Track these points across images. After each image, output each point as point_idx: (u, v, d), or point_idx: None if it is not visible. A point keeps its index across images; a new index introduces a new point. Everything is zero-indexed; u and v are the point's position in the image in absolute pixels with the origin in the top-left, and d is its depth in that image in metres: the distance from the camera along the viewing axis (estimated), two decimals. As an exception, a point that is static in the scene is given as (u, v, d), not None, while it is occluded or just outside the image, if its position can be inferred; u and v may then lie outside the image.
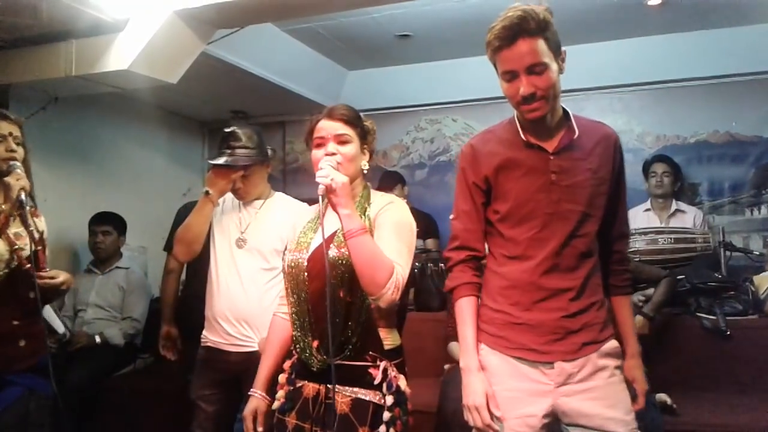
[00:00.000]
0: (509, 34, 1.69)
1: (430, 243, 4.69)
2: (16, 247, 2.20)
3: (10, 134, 2.27)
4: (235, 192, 2.63)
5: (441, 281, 3.87)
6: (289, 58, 4.55)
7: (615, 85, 4.76)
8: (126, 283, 4.03)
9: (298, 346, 1.87)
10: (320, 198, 1.73)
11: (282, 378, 1.91)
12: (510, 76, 1.73)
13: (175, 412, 3.10)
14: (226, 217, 2.67)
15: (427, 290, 3.87)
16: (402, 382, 1.81)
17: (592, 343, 1.78)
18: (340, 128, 1.86)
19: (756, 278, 3.62)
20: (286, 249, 2.00)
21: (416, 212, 5.02)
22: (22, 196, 2.14)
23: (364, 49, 4.76)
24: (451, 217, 1.94)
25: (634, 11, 4.05)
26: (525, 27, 1.68)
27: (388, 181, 4.89)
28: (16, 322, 2.21)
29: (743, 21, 4.25)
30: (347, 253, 1.74)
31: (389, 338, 1.84)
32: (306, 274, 1.84)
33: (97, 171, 4.43)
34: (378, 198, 1.92)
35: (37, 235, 2.29)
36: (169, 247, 3.52)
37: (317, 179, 1.73)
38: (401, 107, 5.37)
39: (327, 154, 1.82)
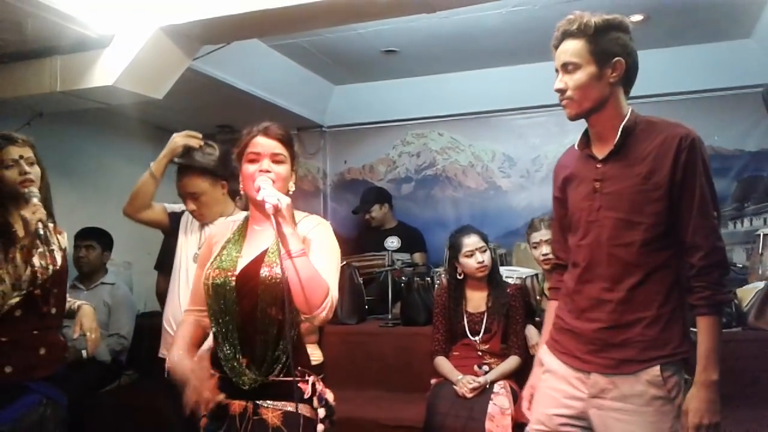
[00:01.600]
0: (559, 35, 1.84)
1: (417, 257, 4.69)
2: (37, 267, 2.26)
3: (21, 157, 2.30)
4: (193, 214, 2.75)
5: (427, 295, 3.87)
6: (275, 73, 4.57)
7: (599, 99, 4.82)
8: (111, 299, 4.00)
9: (225, 364, 1.83)
10: (271, 217, 1.71)
11: None
12: (556, 73, 1.86)
13: (159, 428, 3.07)
14: (189, 235, 2.78)
15: (414, 304, 3.86)
16: (330, 396, 1.87)
17: (632, 362, 1.77)
18: (277, 147, 1.87)
19: (739, 291, 3.64)
20: (206, 267, 1.94)
21: (402, 226, 5.09)
22: (41, 230, 2.17)
23: (351, 64, 4.79)
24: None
25: (618, 27, 4.10)
26: (569, 29, 1.82)
27: (371, 198, 4.90)
28: (35, 332, 2.27)
29: (723, 37, 4.32)
30: (278, 272, 1.75)
31: (315, 354, 1.89)
32: (235, 293, 1.82)
33: (83, 186, 4.41)
34: (303, 219, 1.93)
35: (60, 254, 2.38)
36: (158, 266, 3.48)
37: (264, 198, 1.73)
38: (387, 121, 5.40)
39: (261, 171, 1.83)
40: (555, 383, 1.90)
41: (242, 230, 1.97)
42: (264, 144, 1.87)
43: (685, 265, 1.79)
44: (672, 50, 4.47)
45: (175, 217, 2.88)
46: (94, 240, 4.03)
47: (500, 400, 2.92)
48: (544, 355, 1.99)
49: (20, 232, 2.25)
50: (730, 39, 4.34)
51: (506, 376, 3.06)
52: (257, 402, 1.80)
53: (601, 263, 1.82)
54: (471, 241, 3.21)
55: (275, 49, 4.43)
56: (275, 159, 1.86)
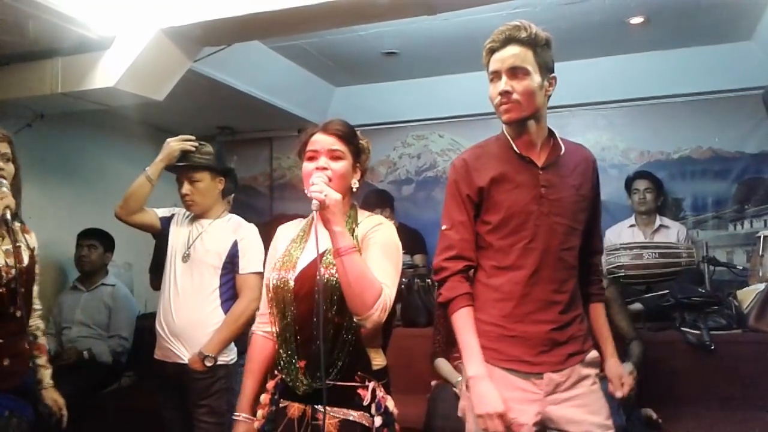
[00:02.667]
0: (502, 39, 1.84)
1: (418, 259, 4.70)
2: (1, 265, 2.15)
3: None
4: (184, 199, 2.79)
5: (428, 297, 3.87)
6: (276, 75, 4.57)
7: (599, 102, 4.83)
8: (112, 301, 4.01)
9: (284, 367, 1.81)
10: (314, 213, 1.68)
11: (264, 398, 1.87)
12: (494, 76, 1.85)
13: (159, 428, 3.07)
14: (178, 232, 2.83)
15: (414, 306, 3.87)
16: (390, 403, 1.80)
17: (577, 354, 1.89)
18: (334, 143, 1.82)
19: (740, 293, 3.65)
20: (268, 267, 1.95)
21: (403, 228, 5.09)
22: (7, 215, 2.09)
23: (351, 66, 4.79)
24: (444, 227, 1.96)
25: (617, 29, 4.11)
26: (516, 35, 1.83)
27: (373, 201, 4.89)
28: (0, 341, 2.15)
29: (724, 39, 4.32)
30: (336, 273, 1.70)
31: (377, 358, 1.82)
32: (292, 295, 1.80)
33: (84, 188, 4.42)
34: (365, 219, 1.89)
35: (27, 252, 2.28)
36: (152, 268, 3.46)
37: (311, 194, 1.68)
38: (388, 123, 5.40)
39: (318, 168, 1.79)
40: (503, 393, 1.80)
41: (306, 229, 1.93)
42: (321, 141, 1.83)
43: (589, 264, 2.04)
44: (672, 52, 4.47)
45: (166, 221, 2.91)
46: (97, 240, 4.04)
47: (500, 402, 2.92)
48: (476, 369, 1.83)
49: None
50: (731, 41, 4.34)
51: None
52: (315, 407, 1.75)
53: (550, 266, 1.86)
54: None
55: (276, 51, 4.43)
56: (333, 155, 1.82)
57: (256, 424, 1.85)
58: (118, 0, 3.01)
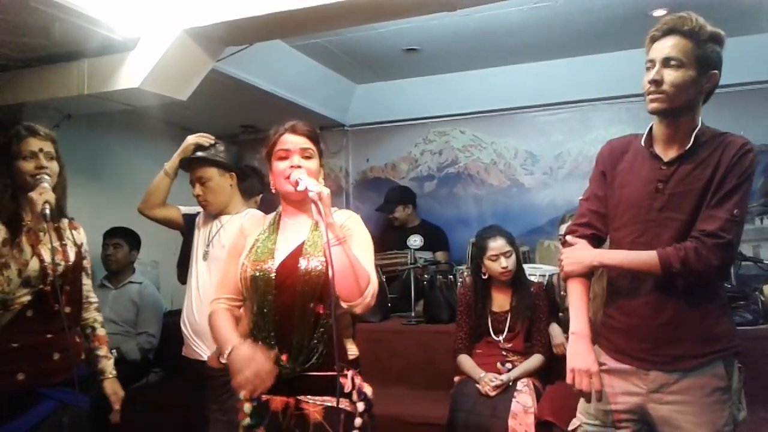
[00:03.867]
0: (664, 28, 1.82)
1: (440, 255, 4.70)
2: (47, 263, 2.19)
3: (41, 150, 2.27)
4: (198, 200, 2.81)
5: (450, 293, 3.88)
6: (297, 73, 4.60)
7: (622, 96, 4.76)
8: (139, 298, 4.07)
9: None
10: (314, 205, 1.75)
11: (245, 395, 1.87)
12: (649, 65, 1.84)
13: (186, 424, 3.12)
14: (202, 231, 2.85)
15: (437, 302, 3.87)
16: (368, 390, 1.90)
17: (689, 358, 1.82)
18: (305, 143, 1.93)
19: (766, 287, 3.60)
20: (242, 259, 1.96)
21: (425, 225, 5.10)
22: (46, 210, 2.10)
23: (372, 63, 4.81)
24: (581, 197, 2.05)
25: (640, 22, 4.04)
26: (678, 25, 1.81)
27: (395, 198, 4.91)
28: (49, 336, 2.20)
29: (750, 30, 4.25)
30: (316, 264, 1.80)
31: (351, 348, 1.93)
32: (273, 285, 1.84)
33: (110, 187, 4.48)
34: (335, 213, 1.93)
35: (74, 249, 2.34)
36: (178, 264, 3.52)
37: (308, 187, 1.77)
38: (409, 120, 5.40)
39: (292, 167, 1.88)
40: (611, 381, 1.90)
41: (275, 223, 1.99)
42: (293, 140, 1.92)
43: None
44: (697, 45, 4.41)
45: (190, 219, 2.95)
46: (122, 239, 4.09)
47: (523, 398, 2.92)
48: (578, 327, 1.92)
49: (27, 216, 2.21)
50: (756, 32, 4.27)
51: (529, 374, 3.06)
52: (299, 397, 1.82)
53: None
54: (496, 245, 3.18)
55: (297, 50, 4.45)
56: (304, 154, 1.92)
57: (243, 420, 1.88)
58: (142, 2, 3.05)
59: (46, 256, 2.20)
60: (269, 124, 2.66)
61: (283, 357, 1.82)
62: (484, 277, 3.24)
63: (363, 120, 5.46)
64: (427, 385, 3.65)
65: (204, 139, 2.87)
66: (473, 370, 3.11)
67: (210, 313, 1.97)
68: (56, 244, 2.25)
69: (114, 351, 3.77)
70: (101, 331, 2.53)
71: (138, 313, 4.03)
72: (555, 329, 3.20)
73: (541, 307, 3.18)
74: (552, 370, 3.17)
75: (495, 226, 3.37)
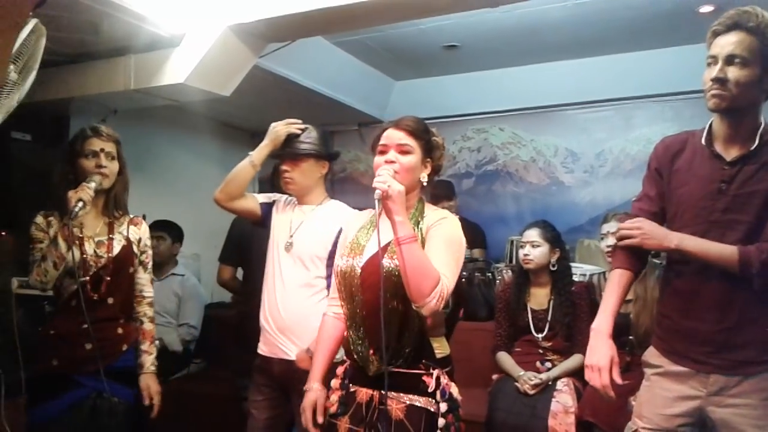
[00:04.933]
0: (728, 23, 1.76)
1: (477, 252, 4.67)
2: (88, 255, 2.31)
3: (102, 150, 2.39)
4: (283, 177, 2.63)
5: (488, 291, 3.86)
6: (337, 70, 4.62)
7: (666, 93, 4.67)
8: (181, 290, 4.13)
9: (354, 351, 1.90)
10: (376, 202, 1.75)
11: (335, 383, 1.96)
12: (711, 61, 1.79)
13: (226, 414, 3.17)
14: (279, 220, 2.67)
15: (475, 300, 3.86)
16: (454, 390, 1.86)
17: (753, 363, 1.78)
18: (403, 138, 1.90)
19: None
20: (338, 253, 2.03)
21: (463, 222, 5.06)
22: (77, 208, 2.19)
23: (412, 60, 4.80)
24: (634, 199, 2.03)
25: (686, 18, 3.98)
26: (743, 21, 1.74)
27: (439, 193, 4.90)
28: (84, 326, 2.26)
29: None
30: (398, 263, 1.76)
31: (440, 347, 1.88)
32: (359, 282, 1.87)
33: (154, 181, 4.56)
34: (431, 212, 1.94)
35: (121, 243, 2.42)
36: (223, 258, 3.60)
37: (375, 184, 1.76)
38: (448, 117, 5.36)
39: (387, 162, 1.86)
40: (668, 383, 1.88)
41: (374, 220, 1.97)
42: (392, 136, 1.91)
43: None
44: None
45: (267, 208, 2.73)
46: (165, 232, 4.16)
47: (564, 398, 2.90)
48: (653, 357, 1.95)
49: (86, 220, 2.34)
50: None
51: (569, 374, 3.03)
52: (383, 392, 1.81)
53: None
54: (527, 233, 3.26)
55: (337, 46, 4.48)
56: (401, 149, 1.89)
57: (331, 408, 1.92)
58: (188, -1, 3.10)
59: (89, 249, 2.32)
60: (309, 121, 2.68)
61: (371, 349, 1.85)
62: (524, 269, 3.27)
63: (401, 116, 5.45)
64: (465, 382, 3.54)
65: (294, 127, 2.63)
66: (512, 368, 3.10)
67: (322, 317, 2.07)
68: (103, 237, 2.36)
69: (157, 341, 3.86)
70: (148, 326, 2.57)
71: (180, 304, 4.10)
72: (595, 329, 3.16)
73: (582, 306, 3.15)
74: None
75: (540, 220, 3.40)
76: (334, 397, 1.93)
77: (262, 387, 2.62)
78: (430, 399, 1.81)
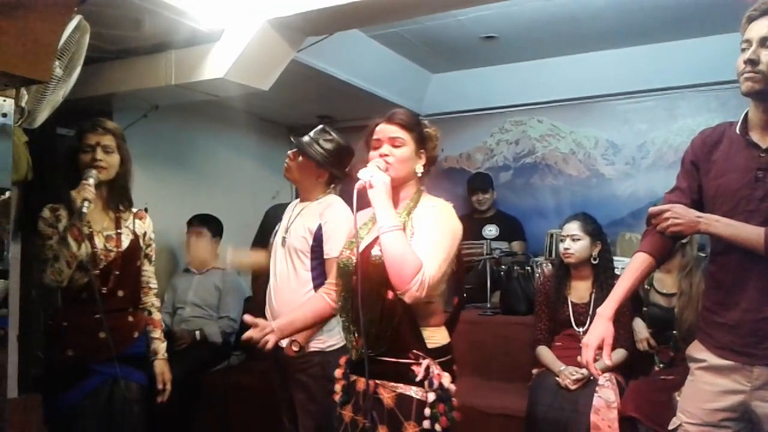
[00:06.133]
0: (763, 8, 1.77)
1: (516, 246, 4.63)
2: (98, 249, 2.40)
3: (98, 144, 2.45)
4: (285, 167, 2.79)
5: (528, 285, 3.82)
6: (374, 63, 4.61)
7: (711, 83, 4.55)
8: (222, 283, 4.17)
9: (347, 341, 1.98)
10: (354, 193, 1.83)
11: (338, 372, 2.03)
12: (745, 45, 1.79)
13: (266, 405, 3.19)
14: (284, 218, 2.85)
15: (514, 293, 3.82)
16: (445, 380, 1.86)
17: None
18: (395, 131, 1.95)
19: None
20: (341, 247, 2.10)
21: (501, 215, 5.04)
22: (84, 208, 2.30)
23: (449, 52, 4.76)
24: (667, 192, 2.03)
25: (732, 6, 3.82)
26: None
27: (476, 185, 4.89)
28: (97, 316, 2.36)
29: None
30: (380, 252, 1.82)
31: (434, 337, 1.90)
32: (353, 273, 1.90)
33: (194, 175, 4.62)
34: (426, 201, 1.98)
35: (129, 237, 2.50)
36: (254, 244, 3.63)
37: (358, 175, 1.85)
38: (485, 109, 5.34)
39: (381, 155, 1.92)
40: (711, 377, 1.86)
41: (353, 208, 2.01)
42: (385, 130, 1.96)
43: None
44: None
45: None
46: (204, 226, 4.21)
47: (606, 393, 2.85)
48: (698, 351, 1.93)
49: (92, 213, 2.41)
50: None
51: (611, 369, 2.98)
52: (377, 381, 1.86)
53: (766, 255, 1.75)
54: (567, 227, 3.22)
55: (374, 39, 4.46)
56: (394, 143, 1.94)
57: (336, 397, 2.00)
58: (227, -7, 3.12)
59: (99, 244, 2.41)
60: (345, 115, 2.69)
61: (359, 340, 1.88)
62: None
63: (438, 110, 5.40)
64: (504, 376, 3.62)
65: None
66: (553, 363, 3.06)
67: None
68: (111, 232, 2.45)
69: (197, 333, 3.93)
70: (156, 316, 2.69)
71: (220, 297, 4.14)
72: (638, 324, 3.11)
73: (625, 300, 3.09)
74: (635, 364, 3.10)
75: (580, 213, 3.35)
76: (338, 387, 2.01)
77: (276, 374, 2.81)
78: (420, 388, 1.83)
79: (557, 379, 2.98)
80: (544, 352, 3.14)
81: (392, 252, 1.76)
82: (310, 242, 2.64)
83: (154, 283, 2.70)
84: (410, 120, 1.98)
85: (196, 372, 3.84)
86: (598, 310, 1.92)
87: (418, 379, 1.82)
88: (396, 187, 1.92)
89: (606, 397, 2.83)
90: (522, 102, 5.19)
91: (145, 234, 2.62)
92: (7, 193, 1.79)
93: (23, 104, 2.64)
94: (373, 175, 1.84)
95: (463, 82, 5.24)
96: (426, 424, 1.80)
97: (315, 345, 2.62)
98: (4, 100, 2.71)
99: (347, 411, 1.95)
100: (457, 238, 1.91)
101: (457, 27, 4.23)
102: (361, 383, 1.91)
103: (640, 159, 4.85)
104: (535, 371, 3.19)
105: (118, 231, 2.47)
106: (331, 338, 2.63)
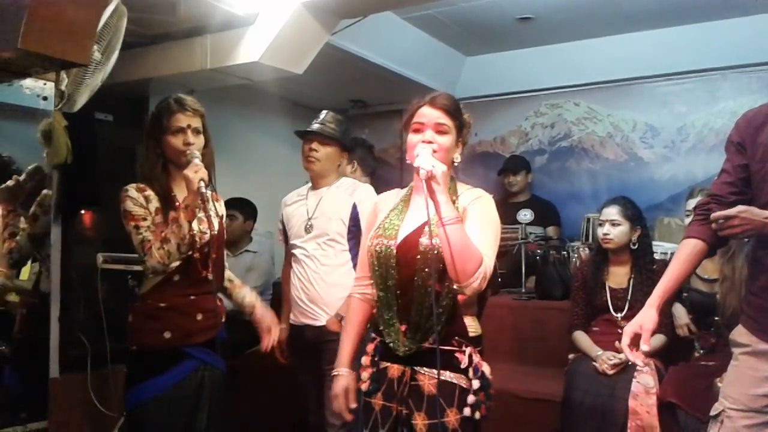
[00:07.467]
0: None
1: (551, 230, 4.59)
2: (195, 231, 2.29)
3: (189, 126, 2.35)
4: (309, 156, 2.87)
5: (563, 269, 3.78)
6: (407, 46, 4.57)
7: (753, 63, 4.43)
8: (253, 267, 4.21)
9: (384, 330, 1.90)
10: (423, 183, 1.74)
11: (365, 360, 1.97)
12: None
13: (294, 387, 3.20)
14: (293, 209, 2.95)
15: (550, 278, 3.78)
16: (486, 368, 1.86)
17: None
18: (441, 117, 1.88)
19: None
20: (370, 234, 2.01)
21: (535, 200, 5.00)
22: (203, 188, 2.19)
23: (483, 34, 4.70)
24: (714, 180, 2.02)
25: (778, -18, 3.75)
26: None
27: (512, 167, 4.84)
28: (192, 297, 2.32)
29: None
30: (438, 242, 1.75)
31: (473, 326, 1.89)
32: (395, 261, 1.86)
33: (228, 159, 4.62)
34: (465, 191, 1.94)
35: (217, 219, 2.42)
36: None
37: (419, 164, 1.75)
38: (520, 92, 5.27)
39: (424, 141, 1.85)
40: (756, 363, 1.83)
41: (406, 200, 2.00)
42: (429, 114, 1.89)
43: None
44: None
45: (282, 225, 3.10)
46: (237, 210, 4.23)
47: (644, 379, 2.80)
48: (742, 336, 1.90)
49: (181, 194, 2.30)
50: None
51: (651, 355, 2.93)
52: (415, 368, 1.85)
53: None
54: (606, 211, 3.16)
55: (408, 21, 4.42)
56: (439, 129, 1.88)
57: (363, 386, 1.93)
58: (261, -24, 3.11)
59: (195, 226, 2.31)
60: (379, 99, 2.68)
61: (402, 328, 1.86)
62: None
63: (472, 93, 5.32)
64: (539, 361, 3.59)
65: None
66: (590, 348, 3.02)
67: (348, 298, 2.13)
68: (201, 215, 2.34)
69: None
70: (237, 281, 2.67)
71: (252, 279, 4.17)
72: (678, 309, 3.06)
73: (664, 285, 3.04)
74: (674, 350, 3.04)
75: (620, 197, 3.28)
76: (365, 375, 1.94)
77: (300, 353, 2.91)
78: (461, 375, 1.82)
79: (594, 364, 2.95)
80: (581, 337, 3.10)
81: (457, 245, 1.70)
82: (347, 223, 2.77)
83: (227, 268, 2.65)
84: (454, 106, 1.92)
85: (229, 354, 3.86)
86: (648, 301, 1.89)
87: (462, 366, 1.82)
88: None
89: (645, 382, 2.79)
90: (558, 85, 5.11)
91: (223, 216, 2.58)
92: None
93: (63, 88, 2.67)
94: (433, 164, 1.75)
95: (497, 65, 5.17)
96: (467, 411, 1.79)
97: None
98: (45, 84, 2.77)
99: (377, 399, 1.90)
100: (500, 230, 1.91)
101: (492, 8, 4.17)
102: (393, 370, 1.88)
103: (679, 142, 4.74)
104: (571, 356, 3.16)
105: (208, 213, 2.33)
106: None
